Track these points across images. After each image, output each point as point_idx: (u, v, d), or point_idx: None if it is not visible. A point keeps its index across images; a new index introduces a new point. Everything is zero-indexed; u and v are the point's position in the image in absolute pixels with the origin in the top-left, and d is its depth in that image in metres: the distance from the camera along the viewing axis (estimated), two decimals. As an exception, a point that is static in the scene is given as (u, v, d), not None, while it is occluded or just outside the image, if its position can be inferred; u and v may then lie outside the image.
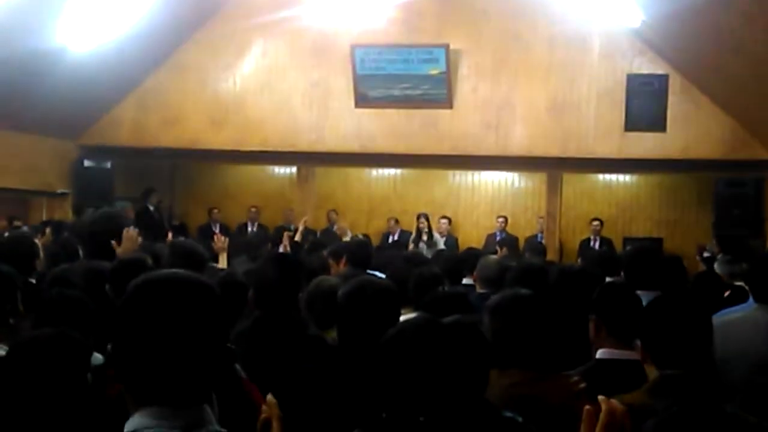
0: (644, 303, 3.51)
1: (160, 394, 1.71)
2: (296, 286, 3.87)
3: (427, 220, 13.34)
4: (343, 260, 6.21)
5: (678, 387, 2.65)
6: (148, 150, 13.11)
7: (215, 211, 14.69)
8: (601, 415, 1.93)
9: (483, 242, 13.47)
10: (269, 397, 2.29)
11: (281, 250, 7.39)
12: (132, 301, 1.75)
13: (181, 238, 7.51)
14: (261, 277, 3.88)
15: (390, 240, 13.71)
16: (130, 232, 5.45)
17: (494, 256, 6.53)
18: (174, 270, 1.86)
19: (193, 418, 1.72)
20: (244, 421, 2.34)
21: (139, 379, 1.72)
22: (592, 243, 13.03)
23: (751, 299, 4.51)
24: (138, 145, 13.00)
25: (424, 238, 12.79)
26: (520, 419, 1.91)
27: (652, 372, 2.84)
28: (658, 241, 13.12)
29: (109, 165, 13.13)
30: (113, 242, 4.94)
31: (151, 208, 13.33)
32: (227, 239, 7.08)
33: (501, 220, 14.03)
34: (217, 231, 13.92)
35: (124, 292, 3.90)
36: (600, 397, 1.99)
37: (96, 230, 5.11)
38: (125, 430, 1.71)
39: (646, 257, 4.92)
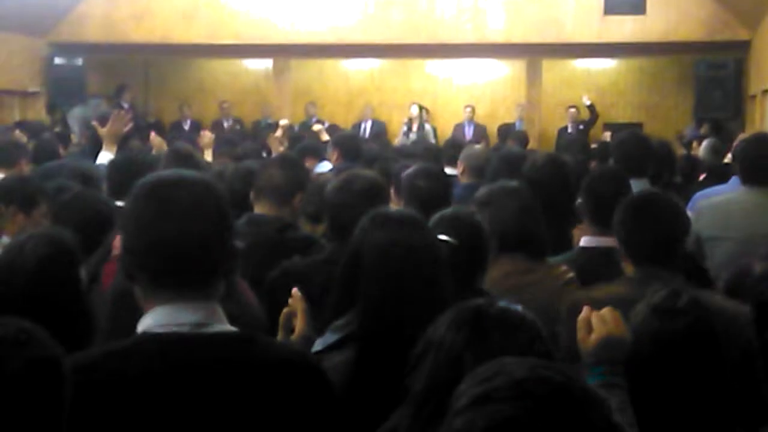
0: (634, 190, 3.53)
1: (168, 290, 1.77)
2: (297, 185, 3.79)
3: (421, 109, 13.17)
4: (336, 153, 6.25)
5: (656, 280, 2.65)
6: (118, 46, 12.80)
7: (185, 107, 14.51)
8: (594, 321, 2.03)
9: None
10: (294, 290, 2.33)
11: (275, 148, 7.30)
12: (138, 201, 1.82)
13: (159, 140, 7.41)
14: (264, 177, 3.78)
15: (362, 129, 13.64)
16: (120, 113, 5.36)
17: (479, 146, 6.49)
18: (176, 170, 1.97)
19: (203, 315, 1.78)
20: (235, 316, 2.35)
21: (149, 277, 1.79)
22: (570, 130, 13.02)
23: (733, 180, 4.54)
24: (108, 40, 12.66)
25: (414, 128, 12.66)
26: (520, 308, 1.92)
27: (627, 267, 2.85)
28: (639, 126, 13.13)
29: (80, 62, 12.81)
30: (95, 123, 4.85)
31: (125, 105, 13.12)
32: (213, 135, 6.99)
33: (468, 109, 13.96)
34: (188, 127, 13.81)
35: (120, 188, 3.91)
36: (586, 307, 2.07)
37: None
38: (138, 329, 1.79)
39: (634, 144, 4.90)
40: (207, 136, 6.92)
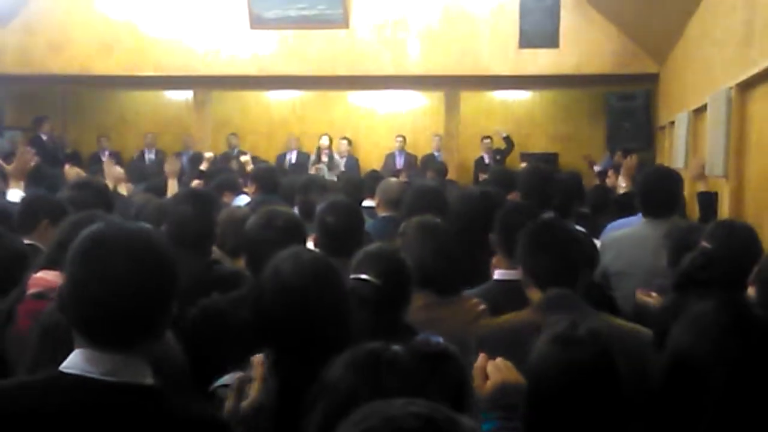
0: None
1: (92, 340, 1.79)
2: (212, 221, 3.85)
3: (331, 141, 13.38)
4: (254, 186, 6.39)
5: (562, 304, 2.75)
6: (36, 77, 12.66)
7: (103, 138, 14.39)
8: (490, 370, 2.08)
9: (382, 162, 13.67)
10: (259, 357, 2.23)
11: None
12: (75, 255, 1.82)
13: (78, 170, 7.35)
14: (177, 213, 3.80)
15: (287, 160, 13.71)
16: (25, 149, 5.36)
17: (395, 179, 6.57)
18: (121, 226, 1.93)
19: (117, 365, 1.79)
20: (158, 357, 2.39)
21: (76, 324, 1.81)
22: (486, 160, 13.26)
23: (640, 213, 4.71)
24: (25, 72, 12.53)
25: (324, 159, 12.80)
26: (441, 340, 2.01)
27: (533, 295, 2.92)
28: (554, 156, 13.46)
29: (-5, 94, 12.65)
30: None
31: (44, 137, 12.95)
32: (122, 170, 6.93)
33: (399, 139, 14.15)
34: (106, 159, 13.65)
35: (28, 225, 3.86)
36: (481, 355, 2.13)
37: None
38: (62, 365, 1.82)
39: (537, 177, 5.06)
40: (117, 170, 6.86)
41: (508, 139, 13.33)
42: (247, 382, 2.20)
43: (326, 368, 1.76)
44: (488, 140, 13.62)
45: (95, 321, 1.78)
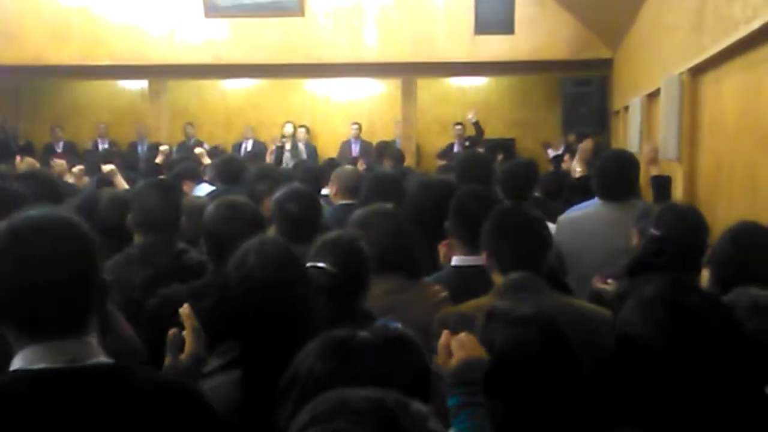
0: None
1: (37, 334, 1.76)
2: (179, 209, 3.79)
3: (295, 128, 13.29)
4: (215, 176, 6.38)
5: (523, 287, 2.78)
6: (-13, 68, 12.47)
7: (57, 129, 14.22)
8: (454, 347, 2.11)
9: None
10: (184, 307, 2.25)
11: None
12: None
13: (32, 160, 7.27)
14: (143, 202, 3.74)
15: (243, 149, 13.62)
16: None
17: (350, 167, 6.56)
18: (36, 214, 1.87)
19: (76, 350, 1.77)
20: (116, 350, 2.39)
21: (15, 324, 1.77)
22: (456, 147, 13.29)
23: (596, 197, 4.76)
24: (-24, 63, 12.33)
25: (288, 147, 12.73)
26: (399, 326, 2.02)
27: (497, 279, 2.93)
28: (511, 141, 13.56)
29: (-55, 85, 12.43)
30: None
31: (-5, 128, 12.78)
32: (64, 162, 6.84)
33: (355, 126, 14.15)
34: (60, 150, 13.54)
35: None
36: (445, 331, 2.17)
37: None
38: (11, 368, 1.77)
39: (470, 160, 5.12)
40: (57, 164, 6.80)
41: (477, 125, 13.29)
42: (179, 336, 2.22)
43: (295, 358, 1.77)
44: (460, 127, 13.62)
45: (32, 310, 1.74)
